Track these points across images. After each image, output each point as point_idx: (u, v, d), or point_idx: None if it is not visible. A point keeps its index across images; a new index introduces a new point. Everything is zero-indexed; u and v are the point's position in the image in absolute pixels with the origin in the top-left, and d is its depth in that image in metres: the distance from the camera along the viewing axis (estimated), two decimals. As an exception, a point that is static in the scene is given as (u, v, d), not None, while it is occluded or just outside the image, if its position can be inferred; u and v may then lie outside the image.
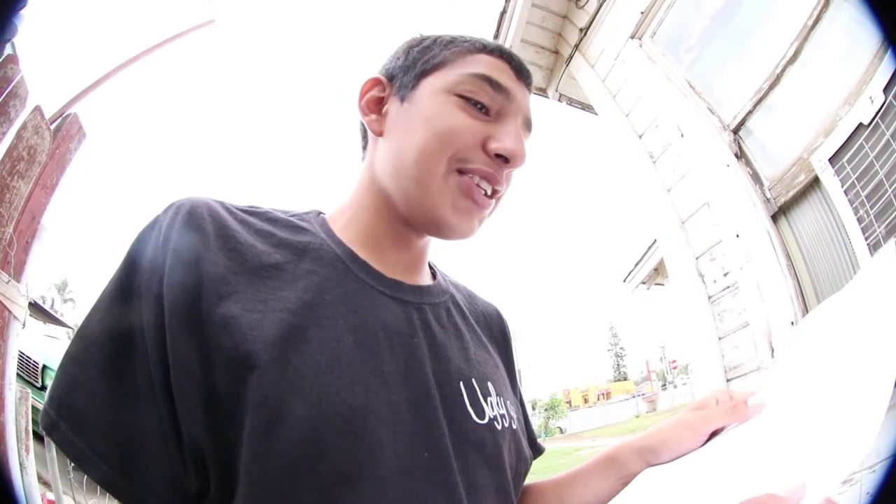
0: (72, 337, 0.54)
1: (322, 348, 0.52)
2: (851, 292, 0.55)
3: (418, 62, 0.66)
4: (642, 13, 2.69)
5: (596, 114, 3.37)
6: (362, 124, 0.71)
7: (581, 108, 3.81)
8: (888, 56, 1.61)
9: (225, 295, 0.51)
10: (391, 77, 0.68)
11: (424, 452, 0.53)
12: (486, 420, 0.61)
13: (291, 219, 0.65)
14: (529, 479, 0.75)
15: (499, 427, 0.62)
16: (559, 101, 3.72)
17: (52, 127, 1.87)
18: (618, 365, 72.86)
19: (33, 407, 2.93)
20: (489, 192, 0.64)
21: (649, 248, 6.09)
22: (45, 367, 5.56)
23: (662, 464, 0.62)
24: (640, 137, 3.05)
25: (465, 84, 0.62)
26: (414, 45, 0.68)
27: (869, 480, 1.39)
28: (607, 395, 53.50)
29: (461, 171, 0.62)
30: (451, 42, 0.66)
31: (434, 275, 0.74)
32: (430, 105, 0.62)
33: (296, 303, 0.54)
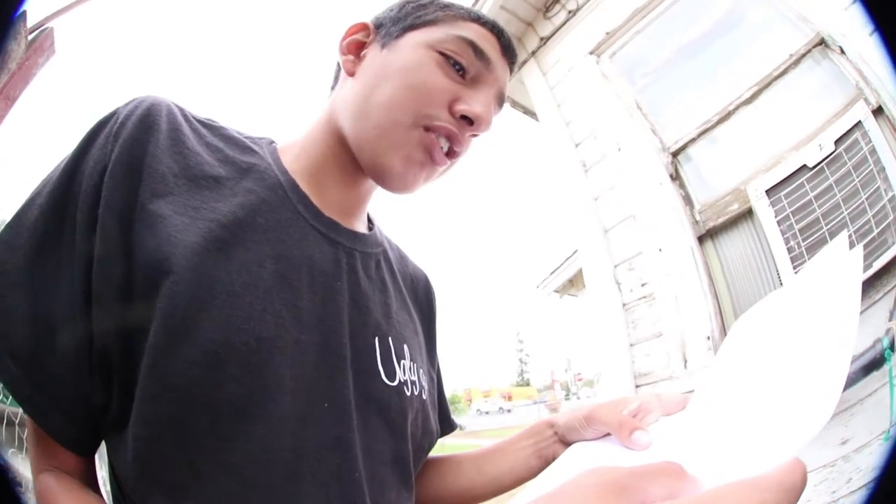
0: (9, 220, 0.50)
1: (241, 269, 0.48)
2: (797, 287, 0.52)
3: (410, 16, 0.63)
4: (608, 33, 2.70)
5: (537, 120, 3.35)
6: (337, 66, 0.68)
7: (523, 113, 3.78)
8: (854, 109, 1.70)
9: (160, 193, 0.48)
10: (379, 25, 0.65)
11: (325, 403, 0.50)
12: (395, 382, 0.58)
13: (244, 140, 0.62)
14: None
15: (407, 393, 0.60)
16: (504, 102, 3.65)
17: (29, 38, 1.51)
18: (522, 370, 72.33)
19: None
20: (447, 151, 0.62)
21: (568, 258, 6.23)
22: None
23: (588, 440, 0.59)
24: (577, 146, 3.08)
25: (448, 43, 0.60)
26: (411, 1, 0.65)
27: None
28: (509, 398, 53.40)
29: (426, 129, 0.59)
30: (448, 6, 0.64)
31: (371, 226, 0.71)
32: (410, 56, 0.60)
33: (227, 217, 0.51)
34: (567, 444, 0.63)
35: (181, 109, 0.57)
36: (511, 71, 0.66)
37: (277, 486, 0.46)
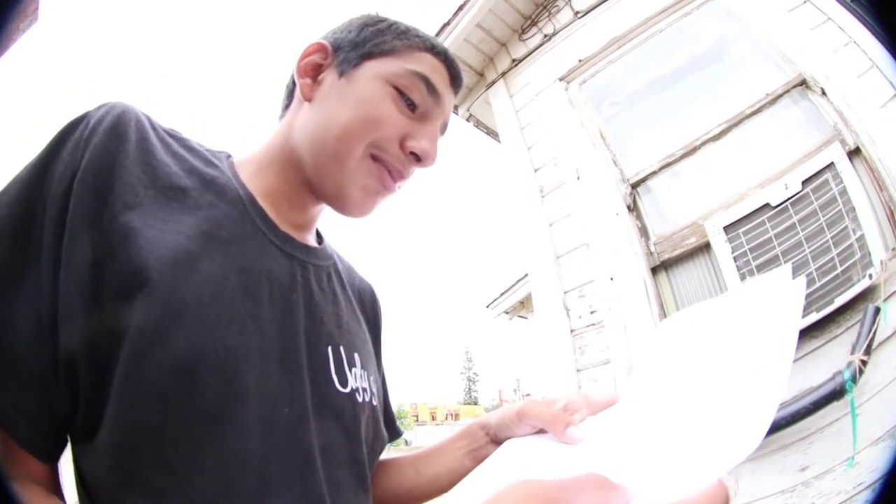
0: None
1: (208, 280, 0.50)
2: (734, 303, 0.53)
3: (368, 42, 0.65)
4: (580, 61, 2.69)
5: (499, 141, 3.30)
6: (292, 83, 0.69)
7: (486, 133, 3.73)
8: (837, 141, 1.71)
9: (132, 205, 0.49)
10: (337, 48, 0.66)
11: (285, 408, 0.52)
12: (347, 389, 0.60)
13: (206, 152, 0.63)
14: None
15: (359, 399, 0.62)
16: (467, 120, 3.63)
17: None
18: (469, 388, 70.74)
19: None
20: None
21: (519, 279, 6.16)
22: None
23: (520, 436, 0.61)
24: (536, 171, 3.06)
25: (404, 78, 0.62)
26: (369, 23, 0.67)
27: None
28: (456, 416, 53.55)
29: (374, 158, 0.62)
30: (405, 33, 0.66)
31: (320, 240, 0.74)
32: (367, 88, 0.62)
33: (193, 230, 0.52)
34: (499, 443, 0.65)
35: (149, 118, 0.57)
36: (455, 97, 0.70)
37: (248, 486, 0.47)
